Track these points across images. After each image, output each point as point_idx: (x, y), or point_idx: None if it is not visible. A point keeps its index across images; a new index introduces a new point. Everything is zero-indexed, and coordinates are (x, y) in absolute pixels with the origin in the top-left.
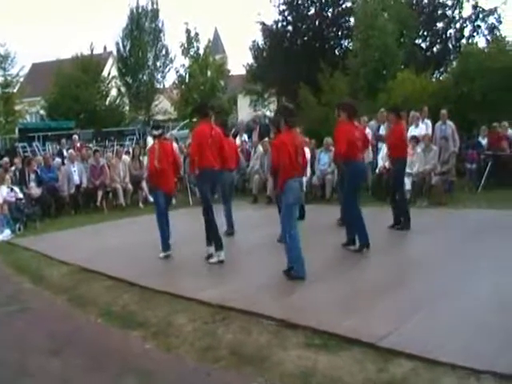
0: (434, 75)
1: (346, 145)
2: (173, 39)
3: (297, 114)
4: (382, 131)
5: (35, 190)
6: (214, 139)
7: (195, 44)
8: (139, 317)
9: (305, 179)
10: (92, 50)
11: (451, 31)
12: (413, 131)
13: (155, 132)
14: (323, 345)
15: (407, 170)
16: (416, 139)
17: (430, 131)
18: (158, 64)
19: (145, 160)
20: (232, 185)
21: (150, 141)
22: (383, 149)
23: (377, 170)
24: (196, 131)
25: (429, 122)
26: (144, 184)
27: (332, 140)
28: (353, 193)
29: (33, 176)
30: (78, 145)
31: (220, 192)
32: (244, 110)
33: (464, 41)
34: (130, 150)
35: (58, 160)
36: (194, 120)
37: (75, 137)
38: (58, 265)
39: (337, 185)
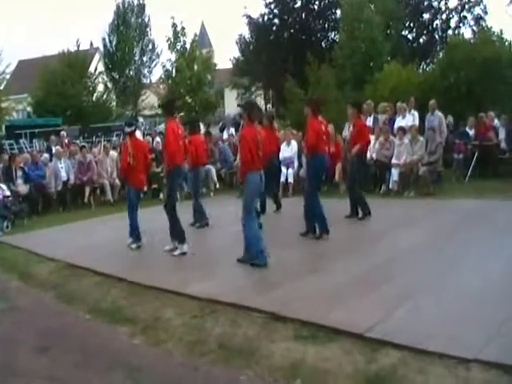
0: (421, 66)
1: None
2: (159, 34)
3: (259, 108)
4: (369, 123)
5: (22, 188)
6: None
7: (182, 38)
8: (128, 312)
9: (292, 171)
10: (78, 46)
11: (437, 22)
12: (400, 122)
13: (128, 129)
14: (311, 337)
15: (394, 160)
16: (403, 130)
17: (416, 122)
18: (145, 59)
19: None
20: (202, 179)
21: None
22: (372, 141)
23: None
24: (167, 129)
25: (416, 112)
26: None
27: None
28: (317, 183)
29: (20, 173)
30: (66, 141)
31: (191, 187)
32: (231, 104)
33: (450, 32)
34: (118, 146)
35: (45, 156)
36: (181, 114)
37: (63, 133)
38: (46, 262)
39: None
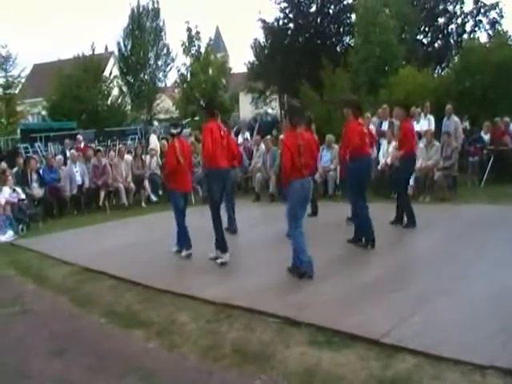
0: (436, 71)
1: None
2: (174, 38)
3: (303, 112)
4: (385, 127)
5: (37, 191)
6: (223, 138)
7: (196, 42)
8: (142, 316)
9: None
10: (93, 50)
11: (452, 26)
12: (415, 127)
13: (173, 130)
14: (327, 342)
15: None
16: (418, 135)
17: (432, 127)
18: (160, 63)
19: (147, 159)
20: (235, 182)
21: (152, 140)
22: (384, 145)
23: (379, 167)
24: (207, 129)
25: (431, 117)
26: (146, 183)
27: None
28: (362, 188)
29: (35, 176)
30: (82, 145)
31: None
32: (246, 108)
33: (465, 36)
34: (132, 150)
35: (59, 157)
36: (196, 118)
37: (79, 137)
38: (60, 265)
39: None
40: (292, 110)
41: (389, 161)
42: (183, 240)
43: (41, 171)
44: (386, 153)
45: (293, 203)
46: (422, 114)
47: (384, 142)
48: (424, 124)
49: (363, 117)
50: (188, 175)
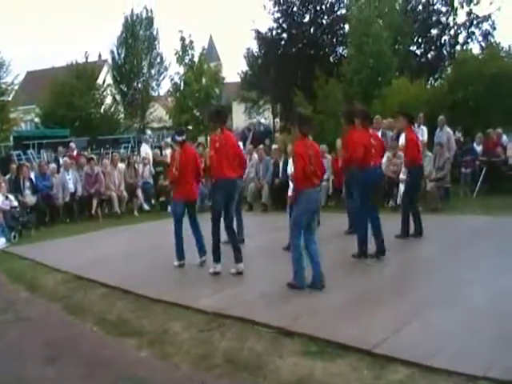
0: (429, 82)
1: (363, 151)
2: (167, 47)
3: (312, 121)
4: None
5: (30, 198)
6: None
7: (190, 52)
8: (134, 325)
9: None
10: (87, 58)
11: (446, 38)
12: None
13: (179, 138)
14: (319, 352)
15: (402, 176)
16: None
17: (425, 137)
18: (153, 72)
19: (140, 168)
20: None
21: (143, 149)
22: None
23: None
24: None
25: (425, 128)
26: (139, 192)
27: (327, 147)
28: (365, 200)
29: (28, 184)
30: (75, 153)
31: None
32: (239, 118)
33: (458, 47)
34: (125, 158)
35: (53, 165)
36: (189, 127)
37: (72, 144)
38: (53, 273)
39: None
40: (301, 119)
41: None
42: (176, 250)
43: (33, 178)
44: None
45: (300, 212)
46: (416, 125)
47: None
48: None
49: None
50: (190, 184)
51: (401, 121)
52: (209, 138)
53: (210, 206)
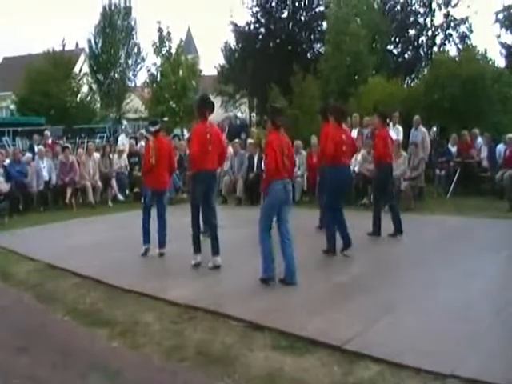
0: (405, 82)
1: (334, 147)
2: (145, 38)
3: (284, 113)
4: (354, 135)
5: (4, 185)
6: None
7: (167, 43)
8: (106, 315)
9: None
10: (64, 46)
11: (423, 38)
12: None
13: (152, 128)
14: (290, 347)
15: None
16: None
17: (401, 137)
18: (130, 62)
19: (115, 158)
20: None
21: (121, 139)
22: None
23: None
24: (193, 131)
25: (400, 127)
26: (113, 182)
27: (302, 143)
28: (334, 198)
29: (1, 171)
30: (50, 141)
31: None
32: (215, 111)
33: (435, 48)
34: (100, 148)
35: (28, 155)
36: (165, 119)
37: (47, 133)
38: (25, 261)
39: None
40: (275, 112)
41: (356, 169)
42: (142, 234)
43: (7, 166)
44: (355, 161)
45: (270, 203)
46: (391, 124)
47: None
48: (392, 134)
49: (346, 123)
50: (162, 174)
51: (375, 119)
52: (190, 129)
53: (191, 198)
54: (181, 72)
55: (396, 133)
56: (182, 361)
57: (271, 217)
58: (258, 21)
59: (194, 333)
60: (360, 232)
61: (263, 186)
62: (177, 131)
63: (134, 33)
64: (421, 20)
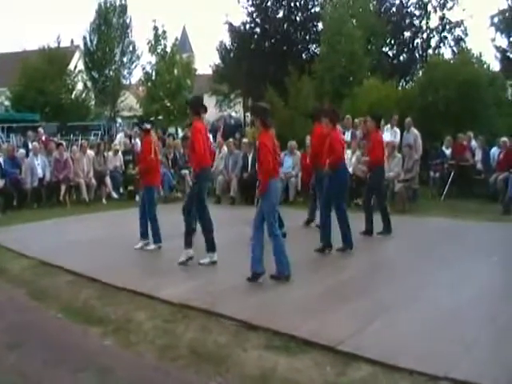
0: (400, 84)
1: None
2: (140, 36)
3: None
4: (347, 137)
5: None
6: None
7: (162, 42)
8: (99, 313)
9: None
10: (59, 43)
11: (418, 41)
12: None
13: (147, 126)
14: (283, 347)
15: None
16: None
17: (398, 139)
18: (125, 60)
19: (109, 156)
20: None
21: (119, 138)
22: (348, 155)
23: None
24: (196, 129)
25: (398, 130)
26: (108, 180)
27: (296, 143)
28: (340, 199)
29: None
30: (44, 138)
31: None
32: (210, 110)
33: (430, 51)
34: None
35: (21, 151)
36: (160, 118)
37: (41, 130)
38: (19, 258)
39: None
40: (265, 112)
41: (351, 170)
42: (153, 234)
43: (1, 162)
44: (350, 162)
45: (272, 201)
46: (389, 126)
47: (348, 152)
48: (386, 136)
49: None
50: (159, 172)
51: (368, 122)
52: (184, 128)
53: (194, 195)
54: (176, 71)
55: (394, 135)
56: (174, 359)
57: (275, 213)
58: (253, 20)
59: (187, 332)
60: (354, 234)
61: (262, 187)
62: (171, 130)
63: (129, 31)
64: (416, 22)
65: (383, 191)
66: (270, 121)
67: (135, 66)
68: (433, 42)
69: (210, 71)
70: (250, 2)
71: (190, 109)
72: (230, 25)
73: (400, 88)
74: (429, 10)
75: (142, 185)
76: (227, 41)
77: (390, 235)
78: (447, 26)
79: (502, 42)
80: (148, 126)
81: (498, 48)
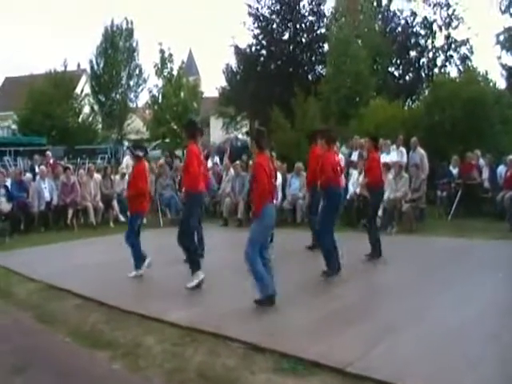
0: (406, 103)
1: (331, 169)
2: (146, 59)
3: (267, 136)
4: (354, 157)
5: (5, 206)
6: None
7: (169, 65)
8: (107, 337)
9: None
10: (65, 67)
11: (424, 60)
12: (384, 158)
13: (140, 153)
14: (291, 369)
15: None
16: (387, 166)
17: (405, 159)
18: (132, 83)
19: (116, 179)
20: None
21: (125, 161)
22: (354, 175)
23: (347, 197)
24: (191, 151)
25: (404, 149)
26: (115, 203)
27: (303, 165)
28: (332, 220)
29: (3, 191)
30: (51, 161)
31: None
32: (216, 133)
33: (436, 70)
34: (102, 169)
35: (28, 175)
36: (166, 140)
37: (48, 153)
38: (26, 282)
39: (307, 210)
40: (260, 134)
41: (358, 191)
42: (139, 259)
43: (9, 186)
44: (356, 182)
45: (265, 225)
46: (395, 146)
47: (354, 172)
48: (393, 155)
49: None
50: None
51: (367, 143)
52: (185, 150)
53: (186, 219)
54: (182, 94)
55: (400, 155)
56: (183, 383)
57: (265, 239)
58: (259, 43)
59: (195, 355)
60: (362, 255)
61: (256, 210)
62: (178, 153)
63: (135, 54)
64: (422, 41)
65: (376, 212)
66: (266, 142)
67: (142, 89)
68: (439, 61)
69: (216, 94)
70: (256, 25)
71: (185, 132)
72: (236, 47)
73: (406, 107)
74: (434, 29)
75: (130, 211)
76: (233, 63)
77: (382, 258)
78: (453, 45)
79: (508, 59)
80: (140, 154)
81: (503, 66)
